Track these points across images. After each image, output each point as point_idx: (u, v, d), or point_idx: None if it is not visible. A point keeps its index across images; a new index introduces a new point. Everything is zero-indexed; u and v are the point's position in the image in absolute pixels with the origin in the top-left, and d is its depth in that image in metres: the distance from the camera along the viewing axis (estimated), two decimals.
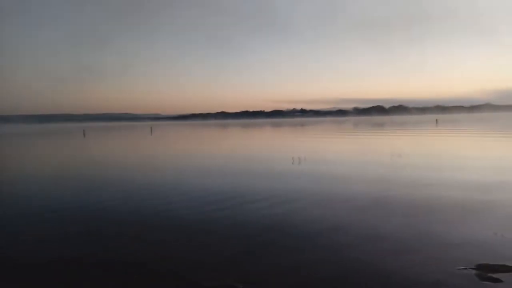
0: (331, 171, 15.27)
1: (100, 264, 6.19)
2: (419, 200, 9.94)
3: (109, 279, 5.62)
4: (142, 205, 10.34)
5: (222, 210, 9.43)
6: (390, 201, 9.90)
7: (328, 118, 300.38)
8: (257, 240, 7.11)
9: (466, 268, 5.51)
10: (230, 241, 7.11)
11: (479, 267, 5.53)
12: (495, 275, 5.25)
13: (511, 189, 10.92)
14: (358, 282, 5.28)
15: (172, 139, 49.07)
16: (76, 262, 6.30)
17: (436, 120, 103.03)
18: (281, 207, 9.53)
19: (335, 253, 6.34)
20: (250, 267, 5.92)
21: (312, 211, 9.13)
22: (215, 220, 8.61)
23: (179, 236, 7.54)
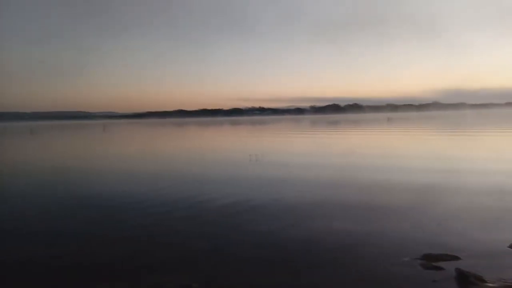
0: (288, 169, 15.47)
1: (47, 265, 5.89)
2: (371, 195, 10.31)
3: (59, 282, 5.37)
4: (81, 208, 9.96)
5: (178, 211, 9.29)
6: (342, 197, 10.19)
7: (287, 116, 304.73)
8: (213, 238, 7.07)
9: (412, 259, 5.78)
10: (190, 241, 7.02)
11: (423, 257, 5.82)
12: (438, 264, 5.55)
13: (455, 182, 11.58)
14: (311, 277, 5.39)
15: (126, 138, 47.73)
16: None
17: (388, 118, 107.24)
18: (238, 206, 9.52)
19: (288, 250, 6.43)
20: (205, 266, 5.87)
21: (267, 208, 9.20)
22: (171, 220, 8.47)
23: (140, 234, 7.34)
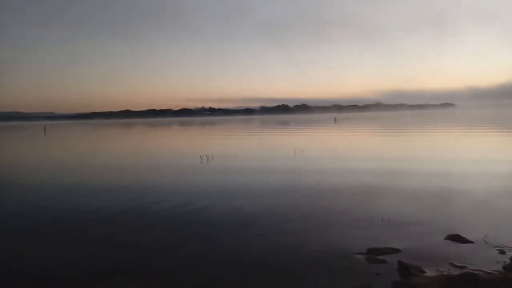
0: (238, 170, 15.46)
1: None
2: (319, 194, 10.58)
3: None
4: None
5: (126, 212, 8.96)
6: (291, 198, 10.35)
7: (237, 117, 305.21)
8: (162, 241, 6.89)
9: (357, 254, 6.00)
10: (138, 241, 6.78)
11: (368, 251, 6.06)
12: (381, 257, 5.80)
13: (398, 179, 12.18)
14: (261, 275, 5.41)
15: (69, 142, 45.43)
16: None
17: (335, 118, 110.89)
18: (188, 206, 9.37)
19: (237, 249, 6.42)
20: (152, 269, 5.70)
21: (218, 207, 9.14)
22: (118, 222, 8.14)
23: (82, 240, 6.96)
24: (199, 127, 76.76)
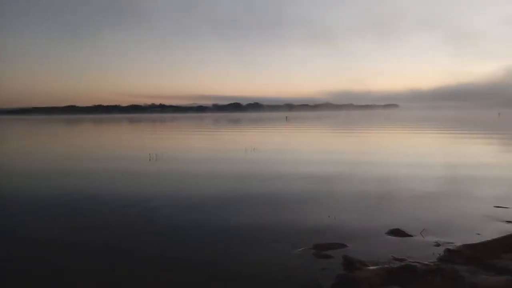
0: (189, 168, 15.25)
1: None
2: (270, 190, 10.68)
3: None
4: None
5: (70, 217, 8.51)
6: (239, 192, 10.38)
7: (188, 114, 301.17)
8: (108, 244, 6.63)
9: (304, 249, 6.12)
10: (85, 243, 6.47)
11: (314, 247, 6.21)
12: (327, 253, 5.97)
13: (344, 174, 12.60)
14: (205, 273, 5.37)
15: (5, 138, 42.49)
16: None
17: (286, 117, 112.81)
18: (137, 207, 9.09)
19: (183, 246, 6.34)
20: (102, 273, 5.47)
21: (168, 208, 8.96)
22: (59, 225, 7.72)
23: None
24: (148, 124, 74.80)
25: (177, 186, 11.44)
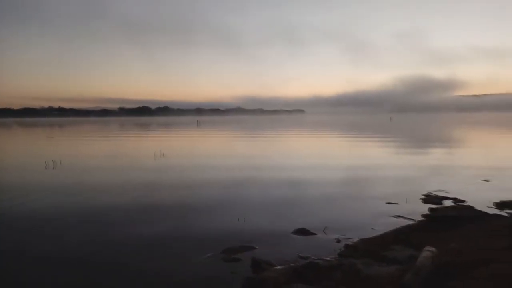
0: (89, 177, 14.22)
1: None
2: (178, 196, 10.47)
3: None
4: None
5: None
6: (148, 199, 10.04)
7: (92, 118, 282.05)
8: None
9: (214, 254, 6.09)
10: None
11: (224, 251, 6.21)
12: (236, 256, 6.01)
13: (253, 179, 12.85)
14: (112, 285, 5.05)
15: None
16: None
17: (198, 121, 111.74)
18: (21, 221, 8.19)
19: (88, 256, 5.89)
20: None
21: (57, 222, 8.24)
22: None
23: None
24: (44, 129, 68.29)
25: (73, 198, 10.49)
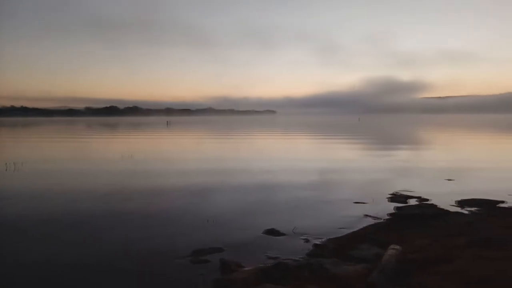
0: (48, 181, 13.71)
1: None
2: (145, 197, 10.27)
3: None
4: None
5: None
6: (115, 205, 9.78)
7: (56, 118, 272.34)
8: None
9: (183, 257, 6.00)
10: None
11: (193, 253, 6.13)
12: (205, 258, 5.94)
13: (222, 180, 12.77)
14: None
15: None
16: None
17: (167, 122, 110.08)
18: None
19: (53, 263, 5.66)
20: None
21: (28, 225, 7.90)
22: None
23: None
24: (5, 129, 65.41)
25: (35, 202, 10.10)
